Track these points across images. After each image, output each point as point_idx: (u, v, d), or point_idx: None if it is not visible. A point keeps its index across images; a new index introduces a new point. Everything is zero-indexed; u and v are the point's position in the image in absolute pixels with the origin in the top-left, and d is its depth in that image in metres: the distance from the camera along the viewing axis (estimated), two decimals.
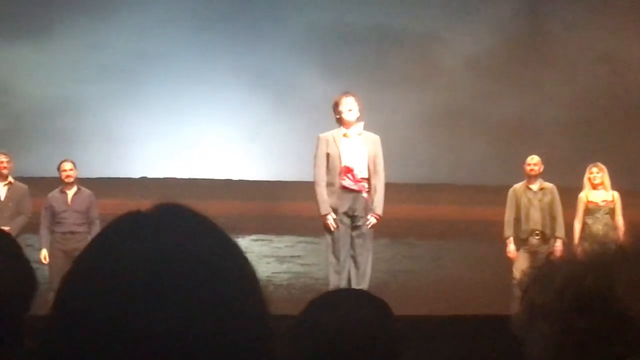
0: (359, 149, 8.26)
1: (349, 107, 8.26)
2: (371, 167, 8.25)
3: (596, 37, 18.37)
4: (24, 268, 1.93)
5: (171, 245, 1.03)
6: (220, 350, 1.00)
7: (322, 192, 8.24)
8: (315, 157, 8.37)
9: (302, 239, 14.34)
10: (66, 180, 9.49)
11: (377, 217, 8.26)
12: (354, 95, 8.36)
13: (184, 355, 0.98)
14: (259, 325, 1.05)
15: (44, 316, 1.06)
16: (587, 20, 18.43)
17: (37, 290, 2.00)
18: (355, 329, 1.88)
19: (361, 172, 8.24)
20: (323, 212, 8.23)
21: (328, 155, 8.24)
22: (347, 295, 2.07)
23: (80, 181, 9.74)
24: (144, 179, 17.41)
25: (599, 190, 9.60)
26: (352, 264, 8.31)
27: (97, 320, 0.99)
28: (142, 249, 1.02)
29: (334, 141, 8.26)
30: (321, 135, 8.39)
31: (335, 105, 8.35)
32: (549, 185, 9.64)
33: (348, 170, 8.20)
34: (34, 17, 18.38)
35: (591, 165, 9.70)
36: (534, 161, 9.65)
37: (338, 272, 8.21)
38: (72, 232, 9.32)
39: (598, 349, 1.38)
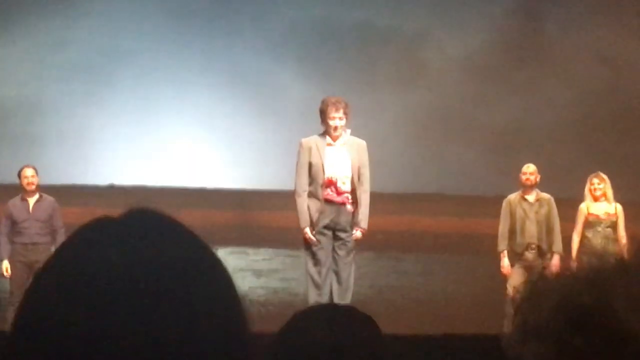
0: (343, 159, 8.26)
1: (336, 123, 8.23)
2: (355, 178, 8.25)
3: (595, 36, 18.47)
4: None
5: (144, 254, 1.02)
6: None
7: (302, 203, 8.24)
8: (296, 165, 8.35)
9: (280, 251, 14.32)
10: (27, 187, 9.44)
11: (363, 230, 8.28)
12: (343, 107, 8.30)
13: None
14: (238, 339, 1.04)
15: (3, 333, 1.05)
16: (585, 19, 18.53)
17: None
18: (341, 347, 1.87)
19: (344, 184, 8.24)
20: (302, 224, 8.23)
21: (310, 164, 8.22)
22: (332, 310, 2.07)
23: (43, 188, 9.69)
24: (111, 186, 17.34)
25: (600, 202, 9.63)
26: (334, 279, 8.32)
27: (63, 337, 0.97)
28: (112, 258, 1.00)
29: (318, 150, 8.23)
30: (304, 140, 8.36)
31: (323, 113, 8.31)
32: (545, 196, 9.67)
33: (331, 183, 8.20)
34: None
35: (592, 175, 9.73)
36: (529, 170, 9.68)
37: (318, 287, 8.21)
38: (34, 243, 9.27)
39: None
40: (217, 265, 1.07)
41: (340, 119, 8.22)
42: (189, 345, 0.99)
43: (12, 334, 1.02)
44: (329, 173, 8.20)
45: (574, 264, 9.24)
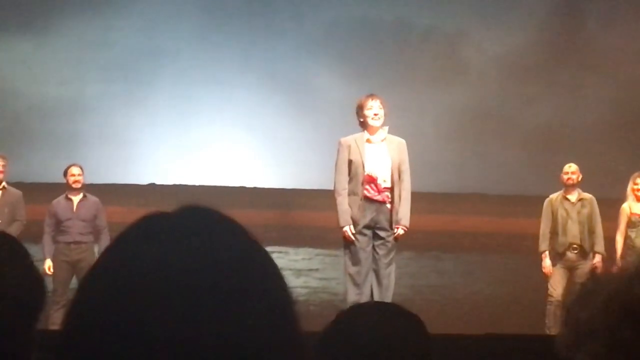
0: (383, 156, 8.23)
1: (375, 111, 8.22)
2: (395, 176, 8.21)
3: (637, 34, 18.29)
4: (33, 277, 1.93)
5: (197, 250, 1.01)
6: None
7: (342, 202, 8.21)
8: (336, 163, 8.33)
9: (320, 251, 14.34)
10: (74, 185, 9.49)
11: (404, 228, 8.24)
12: (379, 98, 8.32)
13: None
14: (291, 340, 1.03)
15: (53, 331, 1.04)
16: (628, 17, 18.35)
17: (46, 301, 2.00)
18: (387, 344, 1.87)
19: (385, 181, 8.20)
20: (342, 223, 8.20)
21: (350, 162, 8.21)
22: (377, 309, 2.06)
23: (85, 187, 9.76)
24: (152, 185, 17.45)
25: None
26: (374, 279, 8.29)
27: (115, 334, 0.97)
28: (165, 255, 1.00)
29: (357, 147, 8.21)
30: (342, 139, 8.35)
31: (360, 109, 8.30)
32: (587, 196, 9.60)
33: (371, 180, 8.17)
34: (35, 11, 18.46)
35: (636, 174, 9.63)
36: (571, 169, 9.61)
37: (358, 287, 8.19)
38: (77, 242, 9.31)
39: None
40: (269, 263, 1.07)
41: (380, 108, 8.22)
42: (243, 343, 0.98)
43: (63, 333, 1.01)
44: (369, 170, 8.17)
45: (619, 264, 9.17)
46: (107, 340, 0.97)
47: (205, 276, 0.99)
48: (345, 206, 8.18)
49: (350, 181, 8.23)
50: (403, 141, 8.40)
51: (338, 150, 8.33)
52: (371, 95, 8.34)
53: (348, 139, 8.32)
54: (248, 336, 0.99)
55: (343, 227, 8.20)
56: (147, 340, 0.96)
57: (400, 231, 8.22)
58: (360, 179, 8.16)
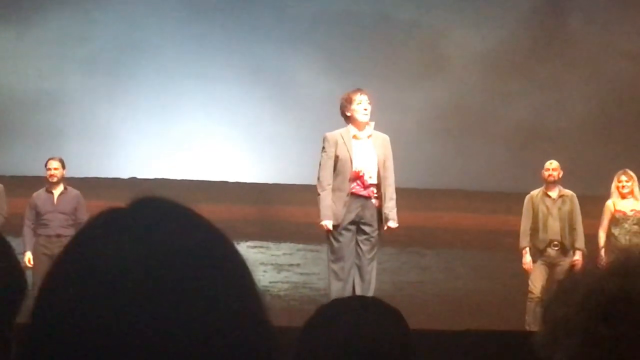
0: (369, 152, 8.19)
1: (364, 106, 8.15)
2: (381, 172, 8.19)
3: (620, 32, 18.37)
4: (14, 268, 1.93)
5: (154, 242, 1.00)
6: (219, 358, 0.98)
7: (326, 197, 8.15)
8: (321, 158, 8.26)
9: (301, 246, 14.35)
10: (50, 179, 9.46)
11: (395, 220, 8.20)
12: (367, 93, 8.26)
13: None
14: (259, 331, 1.02)
15: (24, 324, 1.05)
16: (610, 14, 18.42)
17: (27, 293, 2.00)
18: (368, 338, 1.88)
19: (371, 177, 8.18)
20: (322, 217, 8.14)
21: (337, 158, 8.15)
22: (358, 303, 2.07)
23: (66, 180, 9.72)
24: (133, 179, 17.40)
25: (628, 199, 9.57)
26: (357, 274, 8.27)
27: (77, 329, 0.97)
28: (122, 249, 0.99)
29: (344, 143, 8.16)
30: (329, 134, 8.27)
31: (347, 102, 8.19)
32: (568, 192, 9.62)
33: (358, 176, 8.14)
34: (16, 3, 18.37)
35: (620, 172, 9.65)
36: (552, 166, 9.63)
37: (341, 282, 8.17)
38: (58, 235, 9.28)
39: (625, 357, 1.39)
40: (232, 252, 1.05)
41: (366, 108, 8.16)
42: (204, 337, 0.97)
43: (29, 326, 1.02)
44: (357, 166, 8.13)
45: (601, 261, 9.21)
46: (68, 332, 0.97)
47: (164, 268, 0.98)
48: (328, 201, 8.14)
49: (335, 177, 8.17)
50: (387, 137, 8.37)
51: (323, 147, 8.25)
52: (359, 90, 8.25)
53: (334, 134, 8.24)
54: (211, 327, 0.97)
55: (322, 221, 8.15)
56: (109, 334, 0.95)
57: (392, 224, 8.18)
58: (348, 175, 8.11)
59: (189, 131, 18.28)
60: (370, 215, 8.17)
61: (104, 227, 1.04)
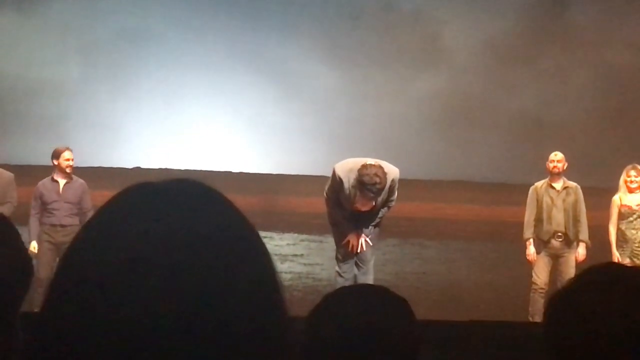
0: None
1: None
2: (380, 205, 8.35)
3: (624, 23, 18.33)
4: (21, 255, 1.94)
5: (185, 222, 0.97)
6: (235, 346, 0.97)
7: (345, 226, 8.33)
8: (327, 192, 8.35)
9: (305, 237, 14.36)
10: (67, 170, 9.45)
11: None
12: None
13: (194, 351, 0.94)
14: (276, 320, 1.02)
15: (35, 313, 1.02)
16: (613, 5, 18.38)
17: (32, 280, 2.00)
18: (375, 327, 1.88)
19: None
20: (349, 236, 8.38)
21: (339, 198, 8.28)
22: (365, 291, 2.07)
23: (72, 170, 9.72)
24: (137, 169, 17.41)
25: (635, 193, 9.55)
26: (355, 265, 8.45)
27: (97, 311, 0.94)
28: (151, 225, 0.97)
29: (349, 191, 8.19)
30: (339, 171, 8.22)
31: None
32: (572, 184, 9.62)
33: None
34: None
35: (630, 167, 9.60)
36: (557, 158, 9.62)
37: (347, 280, 8.36)
38: (62, 225, 9.31)
39: None
40: (257, 239, 1.05)
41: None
42: (227, 321, 0.96)
43: (44, 312, 0.99)
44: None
45: (615, 256, 9.24)
46: (89, 318, 0.94)
47: (192, 250, 0.96)
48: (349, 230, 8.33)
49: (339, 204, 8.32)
50: (395, 179, 8.29)
51: (331, 184, 8.28)
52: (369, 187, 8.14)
53: (344, 173, 8.21)
54: (233, 314, 0.97)
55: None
56: (130, 318, 0.94)
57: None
58: (347, 208, 8.27)
59: (193, 121, 18.29)
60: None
61: (133, 201, 1.01)
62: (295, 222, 14.69)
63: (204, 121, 18.28)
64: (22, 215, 9.31)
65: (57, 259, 9.13)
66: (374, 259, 8.53)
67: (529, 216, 9.58)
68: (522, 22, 18.68)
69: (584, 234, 9.44)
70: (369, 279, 8.30)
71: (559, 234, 9.44)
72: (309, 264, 12.64)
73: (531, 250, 9.53)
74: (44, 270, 9.00)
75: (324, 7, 18.89)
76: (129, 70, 18.55)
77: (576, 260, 9.34)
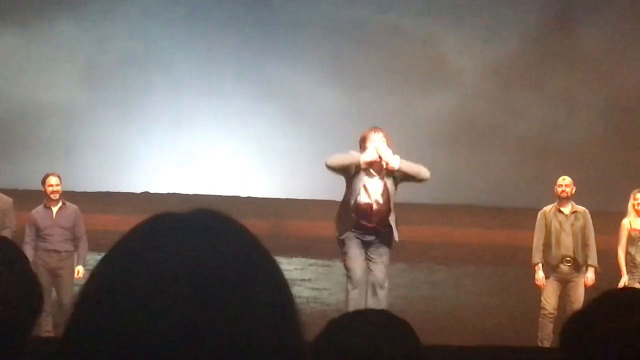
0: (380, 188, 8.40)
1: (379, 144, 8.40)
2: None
3: (631, 45, 18.33)
4: (30, 282, 1.94)
5: (207, 252, 1.00)
6: None
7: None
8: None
9: (312, 261, 14.35)
10: (52, 196, 9.51)
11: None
12: (382, 131, 8.48)
13: None
14: (294, 348, 1.04)
15: (43, 338, 1.03)
16: (620, 26, 18.38)
17: (42, 307, 2.00)
18: (379, 351, 1.89)
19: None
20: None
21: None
22: (369, 316, 2.08)
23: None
24: (146, 193, 17.43)
25: None
26: (369, 284, 8.52)
27: (119, 337, 0.96)
28: (173, 255, 0.99)
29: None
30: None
31: (363, 141, 8.46)
32: (581, 208, 9.62)
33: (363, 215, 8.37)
34: (23, 7, 18.38)
35: (636, 190, 9.59)
36: (565, 182, 9.62)
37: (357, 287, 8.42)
38: (57, 251, 9.40)
39: None
40: (277, 271, 1.07)
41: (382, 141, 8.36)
42: (246, 348, 0.98)
43: (67, 337, 1.00)
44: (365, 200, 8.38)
45: (625, 280, 9.21)
46: (112, 343, 0.96)
47: (214, 281, 0.99)
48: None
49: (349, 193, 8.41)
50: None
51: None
52: (374, 128, 8.50)
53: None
54: (252, 342, 0.99)
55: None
56: (153, 343, 0.96)
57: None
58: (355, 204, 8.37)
59: (201, 146, 18.31)
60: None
61: (155, 231, 1.04)
62: (303, 247, 14.69)
63: (212, 146, 18.31)
64: (20, 241, 9.36)
65: (53, 285, 9.19)
66: (387, 283, 8.57)
67: (537, 241, 9.58)
68: (530, 46, 18.70)
69: (593, 258, 9.44)
70: (382, 299, 8.37)
71: (568, 258, 9.44)
72: (317, 289, 12.63)
73: (540, 275, 9.53)
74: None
75: (331, 31, 18.93)
76: (138, 94, 18.59)
77: (585, 285, 9.33)
